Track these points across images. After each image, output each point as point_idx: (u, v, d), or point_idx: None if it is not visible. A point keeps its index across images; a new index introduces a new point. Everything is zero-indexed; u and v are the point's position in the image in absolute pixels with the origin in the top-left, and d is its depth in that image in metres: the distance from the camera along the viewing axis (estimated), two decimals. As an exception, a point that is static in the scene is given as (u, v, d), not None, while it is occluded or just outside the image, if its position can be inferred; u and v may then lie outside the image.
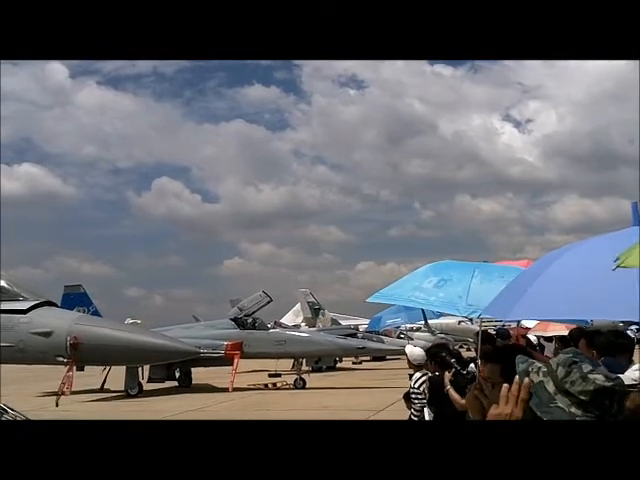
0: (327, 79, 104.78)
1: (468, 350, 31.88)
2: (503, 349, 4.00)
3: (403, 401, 7.86)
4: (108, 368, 22.57)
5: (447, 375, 6.16)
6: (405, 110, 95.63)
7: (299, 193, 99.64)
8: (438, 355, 6.68)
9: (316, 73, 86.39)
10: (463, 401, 5.84)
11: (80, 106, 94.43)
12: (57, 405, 10.43)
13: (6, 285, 9.75)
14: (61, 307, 11.44)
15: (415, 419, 7.15)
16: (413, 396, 7.29)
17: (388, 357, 36.54)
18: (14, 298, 9.49)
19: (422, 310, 10.91)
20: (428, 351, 6.94)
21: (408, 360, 7.64)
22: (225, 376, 25.40)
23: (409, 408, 7.56)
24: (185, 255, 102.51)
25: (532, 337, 11.75)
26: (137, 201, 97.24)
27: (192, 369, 25.36)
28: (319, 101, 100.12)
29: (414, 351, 7.67)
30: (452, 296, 5.97)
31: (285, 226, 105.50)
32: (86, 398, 20.83)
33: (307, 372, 25.76)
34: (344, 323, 44.94)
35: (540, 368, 2.17)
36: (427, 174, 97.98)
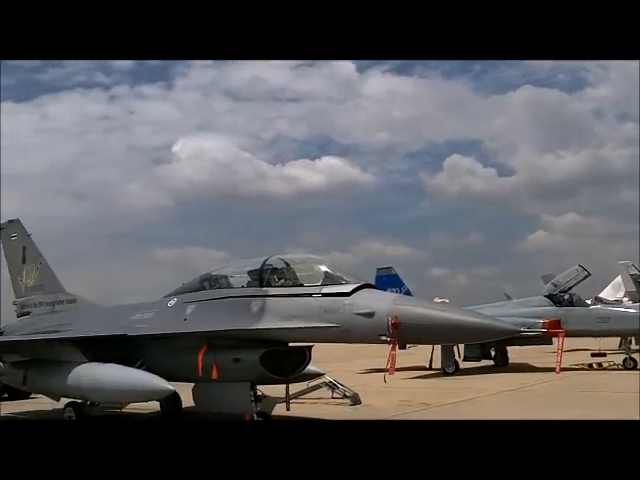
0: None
1: None
2: None
3: None
4: (432, 347, 23.28)
5: None
6: None
7: (606, 155, 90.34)
8: None
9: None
10: None
11: (368, 96, 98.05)
12: (385, 381, 11.06)
13: (329, 270, 10.49)
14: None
15: None
16: None
17: None
18: (337, 282, 10.16)
19: None
20: None
21: None
22: (540, 356, 24.30)
23: None
24: (485, 232, 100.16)
25: None
26: (431, 182, 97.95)
27: (507, 348, 24.83)
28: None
29: None
30: None
31: (592, 193, 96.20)
32: (409, 375, 21.72)
33: (638, 351, 23.35)
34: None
35: None
36: None
